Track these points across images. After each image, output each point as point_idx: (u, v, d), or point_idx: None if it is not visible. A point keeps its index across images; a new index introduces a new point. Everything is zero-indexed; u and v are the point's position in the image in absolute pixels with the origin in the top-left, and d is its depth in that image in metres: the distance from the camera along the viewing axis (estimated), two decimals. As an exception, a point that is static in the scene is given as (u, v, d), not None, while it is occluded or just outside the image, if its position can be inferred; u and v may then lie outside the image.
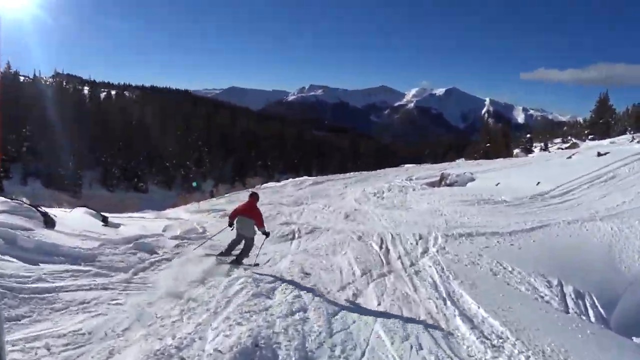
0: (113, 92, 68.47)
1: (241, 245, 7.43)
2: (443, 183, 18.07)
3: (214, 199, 19.57)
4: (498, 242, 9.21)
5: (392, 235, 9.70)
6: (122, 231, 8.34)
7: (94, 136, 43.77)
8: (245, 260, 7.38)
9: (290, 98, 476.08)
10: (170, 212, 14.87)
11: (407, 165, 31.00)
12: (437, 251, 8.54)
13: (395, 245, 8.98)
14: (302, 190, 18.48)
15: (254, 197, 7.72)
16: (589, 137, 37.87)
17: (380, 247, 8.90)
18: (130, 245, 7.25)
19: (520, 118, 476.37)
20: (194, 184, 15.14)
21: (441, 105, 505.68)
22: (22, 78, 46.69)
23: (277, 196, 16.85)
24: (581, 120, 48.95)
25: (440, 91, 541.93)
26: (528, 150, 40.69)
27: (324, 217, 12.44)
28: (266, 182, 27.17)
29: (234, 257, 7.34)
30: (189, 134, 57.37)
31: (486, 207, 12.78)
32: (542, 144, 43.90)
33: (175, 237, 8.92)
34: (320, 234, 10.28)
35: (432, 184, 18.08)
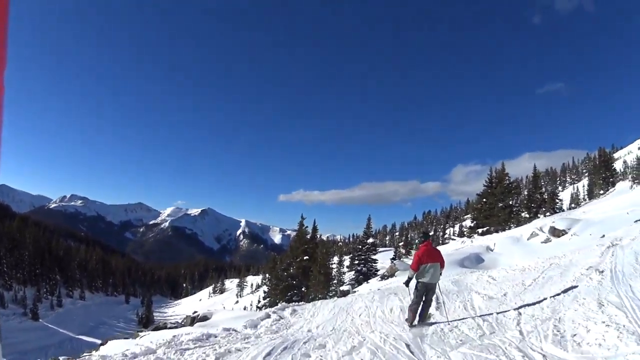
0: None
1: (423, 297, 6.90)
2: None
3: None
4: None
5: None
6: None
7: None
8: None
9: (52, 205, 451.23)
10: None
11: None
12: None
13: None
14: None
15: (429, 238, 7.15)
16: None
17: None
18: None
19: (277, 239, 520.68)
20: None
21: (196, 225, 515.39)
22: None
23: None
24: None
25: (195, 211, 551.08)
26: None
27: None
28: None
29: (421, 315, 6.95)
30: None
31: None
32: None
33: None
34: None
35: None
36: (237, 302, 65.94)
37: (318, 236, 37.59)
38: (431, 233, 73.28)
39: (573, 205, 39.45)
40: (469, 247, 22.13)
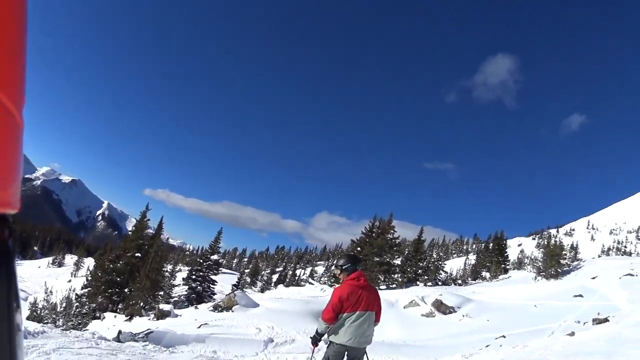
0: None
1: None
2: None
3: None
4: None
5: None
6: None
7: None
8: None
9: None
10: None
11: None
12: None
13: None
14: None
15: (358, 267, 4.13)
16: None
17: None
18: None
19: (131, 229, 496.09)
20: None
21: (63, 193, 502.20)
22: None
23: None
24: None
25: (66, 179, 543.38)
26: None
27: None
28: None
29: None
30: None
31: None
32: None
33: None
34: None
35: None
36: (69, 280, 60.54)
37: (166, 238, 31.60)
38: (279, 269, 65.89)
39: (459, 281, 36.13)
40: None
